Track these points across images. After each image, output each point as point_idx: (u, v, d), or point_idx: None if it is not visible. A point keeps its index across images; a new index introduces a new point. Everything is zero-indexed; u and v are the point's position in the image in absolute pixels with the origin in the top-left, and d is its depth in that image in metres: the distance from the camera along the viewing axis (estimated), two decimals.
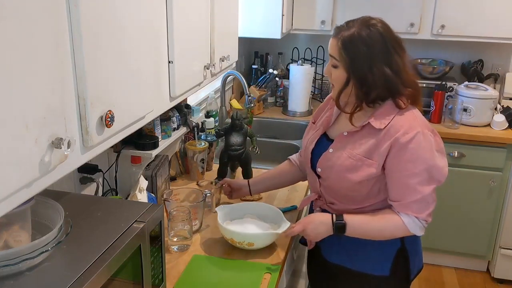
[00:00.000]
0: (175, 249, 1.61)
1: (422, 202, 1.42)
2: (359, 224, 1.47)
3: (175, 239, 1.61)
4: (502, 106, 3.08)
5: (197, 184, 1.98)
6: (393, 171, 1.42)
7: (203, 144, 2.15)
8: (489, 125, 3.00)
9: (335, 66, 1.44)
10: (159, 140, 1.75)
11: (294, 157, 1.84)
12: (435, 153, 1.41)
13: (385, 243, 1.53)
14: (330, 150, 1.52)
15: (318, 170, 1.55)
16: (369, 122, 1.44)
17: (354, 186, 1.46)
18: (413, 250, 1.58)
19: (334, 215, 1.48)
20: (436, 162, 1.40)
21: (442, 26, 2.94)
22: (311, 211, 1.72)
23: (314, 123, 1.68)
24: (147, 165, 1.86)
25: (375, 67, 1.38)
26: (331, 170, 1.50)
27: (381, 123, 1.42)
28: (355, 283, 1.60)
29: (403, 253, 1.56)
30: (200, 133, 2.25)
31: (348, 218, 1.47)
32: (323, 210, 1.61)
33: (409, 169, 1.39)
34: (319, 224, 1.49)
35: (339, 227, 1.46)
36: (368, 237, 1.49)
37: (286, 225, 1.63)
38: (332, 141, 1.54)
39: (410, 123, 1.41)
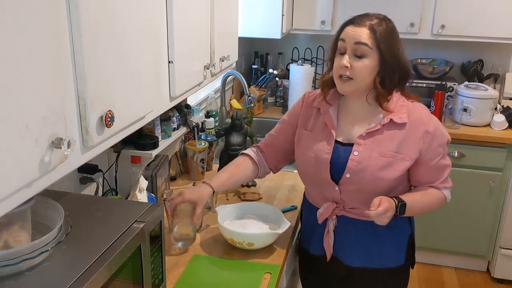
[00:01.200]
0: (179, 245, 1.60)
1: (449, 172, 1.55)
2: (414, 202, 1.49)
3: (179, 236, 1.61)
4: (502, 106, 3.08)
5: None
6: (429, 160, 1.49)
7: (203, 144, 2.15)
8: (489, 125, 3.00)
9: (362, 56, 1.40)
10: (159, 140, 1.75)
11: (252, 154, 1.69)
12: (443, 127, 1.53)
13: (399, 233, 1.57)
14: (355, 153, 1.47)
15: (347, 175, 1.48)
16: (391, 119, 1.45)
17: (391, 183, 1.47)
18: (415, 232, 1.65)
19: (393, 198, 1.45)
20: (447, 134, 1.53)
21: (442, 26, 2.94)
22: (306, 215, 1.71)
23: (306, 129, 1.59)
24: (147, 165, 1.86)
25: (401, 54, 1.44)
26: (363, 173, 1.46)
27: (400, 118, 1.46)
28: (374, 280, 1.61)
29: (412, 238, 1.62)
30: (200, 133, 2.26)
31: (404, 198, 1.47)
32: (340, 217, 1.57)
33: (441, 152, 1.49)
34: (392, 204, 1.43)
35: (402, 205, 1.45)
36: (416, 213, 1.56)
37: (286, 225, 1.63)
38: (347, 145, 1.50)
39: (424, 112, 1.50)
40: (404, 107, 1.47)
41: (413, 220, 1.65)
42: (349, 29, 1.42)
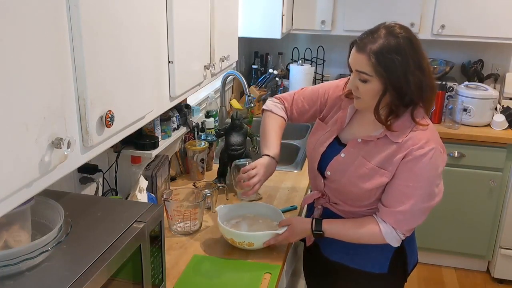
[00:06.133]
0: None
1: (407, 216, 1.43)
2: (337, 232, 1.52)
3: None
4: (502, 106, 3.08)
5: (194, 185, 1.97)
6: (396, 178, 1.43)
7: (203, 144, 2.15)
8: (489, 125, 3.00)
9: (364, 81, 1.39)
10: (159, 140, 1.75)
11: (279, 111, 1.72)
12: (440, 176, 1.44)
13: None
14: (342, 155, 1.50)
15: (327, 173, 1.54)
16: (386, 135, 1.43)
17: (364, 193, 1.47)
18: (409, 248, 1.60)
19: (313, 223, 1.52)
20: (435, 187, 1.43)
21: (442, 26, 2.94)
22: (311, 207, 1.72)
23: (322, 120, 1.64)
24: (147, 165, 1.86)
25: (411, 74, 1.36)
26: (342, 175, 1.49)
27: (398, 137, 1.42)
28: (354, 281, 1.61)
29: (401, 250, 1.57)
30: (200, 133, 2.26)
31: (326, 226, 1.51)
32: (325, 209, 1.61)
33: (411, 181, 1.40)
34: (300, 233, 1.58)
35: (317, 235, 1.53)
36: (346, 240, 1.53)
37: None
38: (343, 145, 1.53)
39: (427, 137, 1.41)
40: (407, 129, 1.42)
41: None
42: (352, 53, 1.41)
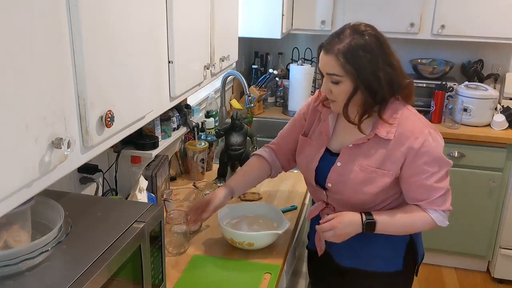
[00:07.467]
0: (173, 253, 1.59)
1: (445, 196, 1.46)
2: (389, 222, 1.47)
3: (171, 246, 1.59)
4: (502, 106, 3.08)
5: (194, 185, 1.98)
6: (411, 176, 1.43)
7: (203, 144, 2.15)
8: (489, 125, 3.00)
9: (336, 82, 1.40)
10: (159, 140, 1.75)
11: (265, 154, 1.71)
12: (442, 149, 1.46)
13: (395, 240, 1.55)
14: (338, 163, 1.49)
15: (328, 185, 1.52)
16: (376, 134, 1.43)
17: (370, 198, 1.46)
18: (418, 240, 1.62)
19: (363, 214, 1.46)
20: (446, 158, 1.45)
21: (442, 26, 2.94)
22: (315, 219, 1.70)
23: (305, 136, 1.62)
24: (147, 165, 1.86)
25: (380, 70, 1.37)
26: (344, 185, 1.48)
27: (388, 133, 1.42)
28: (370, 282, 1.61)
29: (412, 245, 1.59)
30: (200, 133, 2.26)
31: (377, 216, 1.46)
32: None
33: (427, 171, 1.42)
34: (348, 224, 1.45)
35: (369, 225, 1.44)
36: (396, 233, 1.51)
37: (286, 225, 1.64)
38: (335, 154, 1.52)
39: (416, 125, 1.42)
40: (396, 120, 1.42)
41: None
42: (321, 57, 1.43)
